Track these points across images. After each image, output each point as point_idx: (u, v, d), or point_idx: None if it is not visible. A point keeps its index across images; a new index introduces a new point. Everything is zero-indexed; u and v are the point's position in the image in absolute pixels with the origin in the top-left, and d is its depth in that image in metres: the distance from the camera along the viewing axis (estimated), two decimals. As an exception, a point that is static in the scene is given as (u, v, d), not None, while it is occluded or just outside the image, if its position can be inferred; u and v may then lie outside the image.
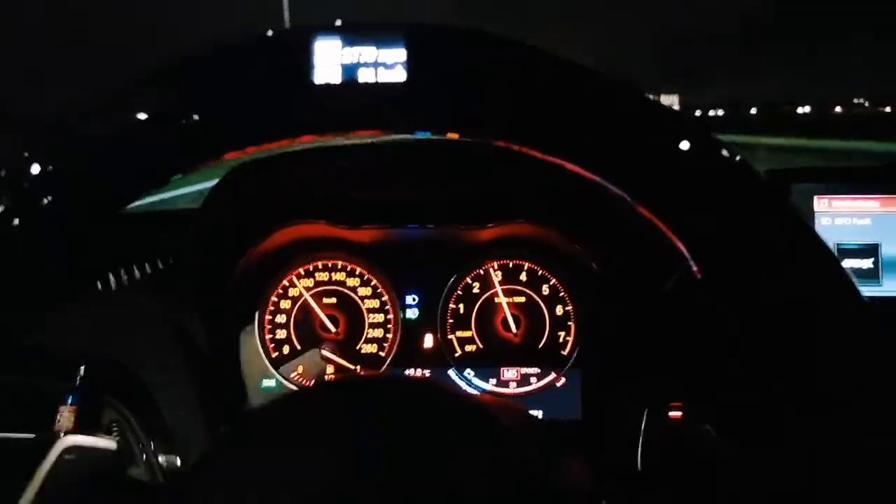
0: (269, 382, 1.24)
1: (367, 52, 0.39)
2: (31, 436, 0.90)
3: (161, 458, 0.97)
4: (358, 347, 1.26)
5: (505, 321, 1.26)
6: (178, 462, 0.98)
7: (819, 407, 0.40)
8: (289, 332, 1.26)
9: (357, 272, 1.28)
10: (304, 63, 0.38)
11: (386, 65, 0.39)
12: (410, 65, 0.39)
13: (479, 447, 0.44)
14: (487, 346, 1.26)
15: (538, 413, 1.23)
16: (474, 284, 1.27)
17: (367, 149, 1.16)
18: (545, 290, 1.26)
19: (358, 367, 1.25)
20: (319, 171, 1.19)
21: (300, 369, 1.25)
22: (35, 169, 0.39)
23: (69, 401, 0.95)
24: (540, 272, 1.27)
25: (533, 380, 1.25)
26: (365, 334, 1.26)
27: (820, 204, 1.26)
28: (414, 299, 1.27)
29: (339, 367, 1.25)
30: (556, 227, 1.21)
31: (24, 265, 0.41)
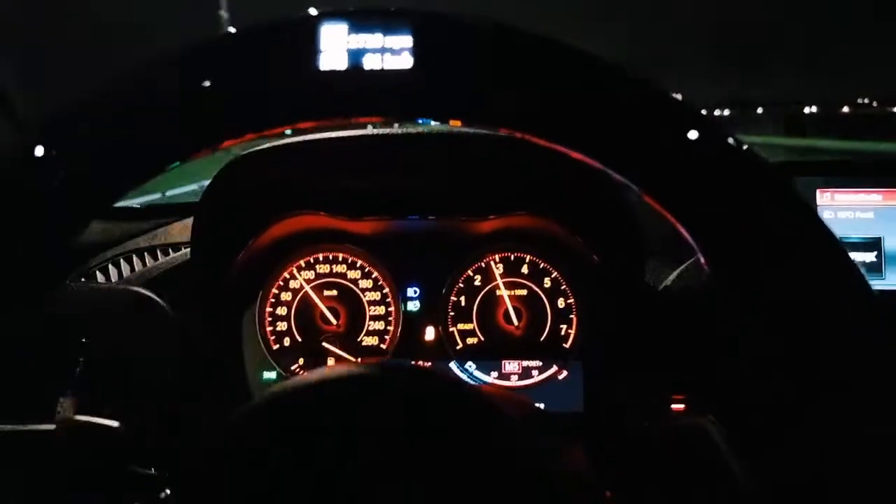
0: (269, 374, 1.24)
1: (373, 39, 0.38)
2: (31, 427, 0.90)
3: (162, 451, 0.97)
4: (359, 340, 1.26)
5: (506, 314, 1.25)
6: (179, 454, 0.98)
7: (823, 396, 0.39)
8: (289, 325, 1.25)
9: (358, 264, 1.27)
10: (310, 49, 0.38)
11: (392, 51, 0.38)
12: (417, 52, 0.39)
13: (480, 435, 0.44)
14: (489, 339, 1.26)
15: (540, 406, 1.23)
16: (476, 277, 1.27)
17: (367, 140, 1.15)
18: (547, 282, 1.26)
19: (359, 360, 1.25)
20: (319, 163, 1.19)
21: (301, 361, 1.25)
22: (34, 153, 0.39)
23: (69, 392, 0.95)
24: (542, 265, 1.26)
25: (534, 373, 1.25)
26: (366, 327, 1.26)
27: (822, 197, 1.26)
28: (415, 291, 1.27)
29: (339, 360, 1.25)
30: (558, 220, 1.21)
31: (20, 253, 0.41)
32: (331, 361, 1.24)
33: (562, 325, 1.25)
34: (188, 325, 1.16)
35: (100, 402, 0.96)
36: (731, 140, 0.41)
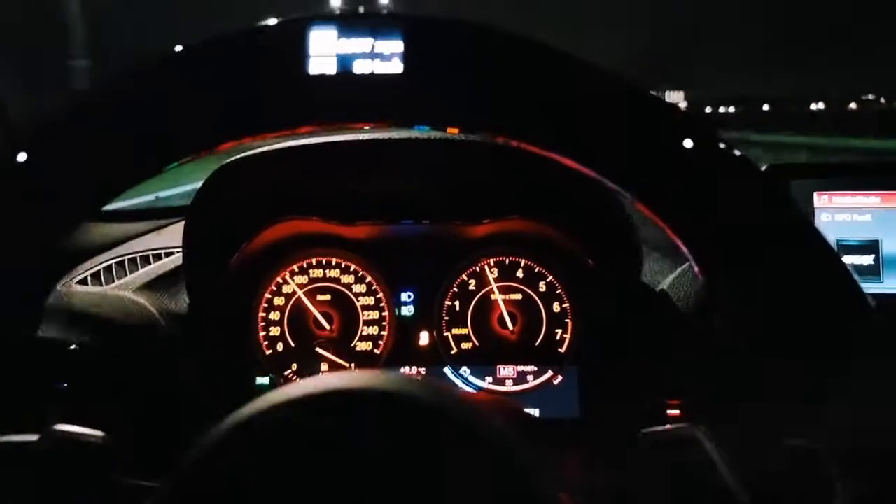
0: (262, 380, 1.23)
1: (363, 44, 0.37)
2: (19, 435, 0.89)
3: (151, 459, 0.96)
4: (352, 345, 1.25)
5: (501, 318, 1.24)
6: (171, 461, 0.97)
7: (819, 402, 0.39)
8: (283, 330, 1.24)
9: (351, 269, 1.26)
10: (299, 54, 0.37)
11: (382, 56, 0.37)
12: (407, 57, 0.38)
13: (470, 446, 0.44)
14: (483, 344, 1.25)
15: (535, 411, 1.22)
16: (470, 281, 1.26)
17: (360, 144, 1.15)
18: (542, 286, 1.25)
19: (352, 365, 1.24)
20: (312, 167, 1.18)
21: (294, 367, 1.24)
22: (23, 157, 0.38)
23: (56, 400, 0.94)
24: (536, 269, 1.25)
25: (529, 378, 1.24)
26: (360, 332, 1.25)
27: (820, 200, 1.25)
28: (409, 296, 1.26)
29: (333, 365, 1.24)
30: (553, 223, 1.20)
31: (9, 257, 0.40)
32: (324, 367, 1.24)
33: (557, 330, 1.24)
34: (181, 330, 1.16)
35: (88, 410, 0.95)
36: (724, 148, 0.40)
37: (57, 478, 0.61)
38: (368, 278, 1.26)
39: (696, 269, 0.41)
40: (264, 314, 1.24)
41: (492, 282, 1.25)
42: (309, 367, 1.24)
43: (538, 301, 1.25)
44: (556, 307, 1.24)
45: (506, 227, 1.24)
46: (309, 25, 0.38)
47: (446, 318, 1.25)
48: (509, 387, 1.23)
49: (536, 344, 1.24)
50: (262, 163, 1.11)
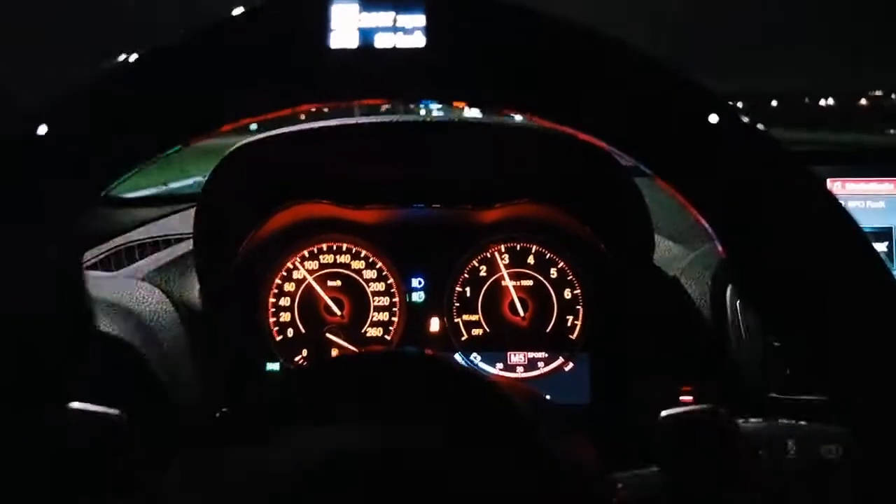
0: (272, 365, 1.23)
1: (385, 17, 0.37)
2: (31, 411, 0.89)
3: (163, 440, 0.96)
4: (363, 331, 1.24)
5: (512, 305, 1.24)
6: (181, 445, 0.97)
7: (842, 388, 0.38)
8: (293, 316, 1.24)
9: (362, 255, 1.26)
10: (320, 27, 0.36)
11: (405, 30, 0.37)
12: (430, 31, 0.37)
13: (488, 422, 0.44)
14: (494, 330, 1.25)
15: (546, 397, 1.22)
16: (481, 267, 1.26)
17: (370, 127, 1.14)
18: (553, 273, 1.25)
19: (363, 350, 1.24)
20: (322, 151, 1.18)
21: (304, 353, 1.24)
22: (37, 132, 0.37)
23: (71, 384, 0.94)
24: (548, 255, 1.25)
25: (540, 364, 1.24)
26: (370, 318, 1.25)
27: (833, 186, 1.24)
28: (420, 282, 1.26)
29: (343, 351, 1.24)
30: (565, 208, 1.20)
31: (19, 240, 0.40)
32: (334, 353, 1.23)
33: (568, 316, 1.24)
34: (192, 316, 1.16)
35: (99, 393, 0.95)
36: (750, 123, 0.40)
37: (74, 453, 0.61)
38: (379, 264, 1.26)
39: (719, 247, 0.41)
40: (274, 300, 1.24)
41: (502, 268, 1.25)
42: (319, 354, 1.24)
43: (549, 287, 1.24)
44: (567, 293, 1.24)
45: (517, 212, 1.23)
46: None
47: (457, 304, 1.25)
48: (520, 373, 1.23)
49: (547, 330, 1.23)
50: (271, 147, 1.10)
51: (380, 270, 1.26)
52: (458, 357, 1.24)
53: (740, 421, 0.78)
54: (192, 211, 1.14)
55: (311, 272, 1.25)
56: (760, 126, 0.39)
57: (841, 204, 0.39)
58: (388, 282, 1.26)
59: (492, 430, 0.44)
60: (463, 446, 0.41)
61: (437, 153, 1.19)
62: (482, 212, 1.24)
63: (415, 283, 1.26)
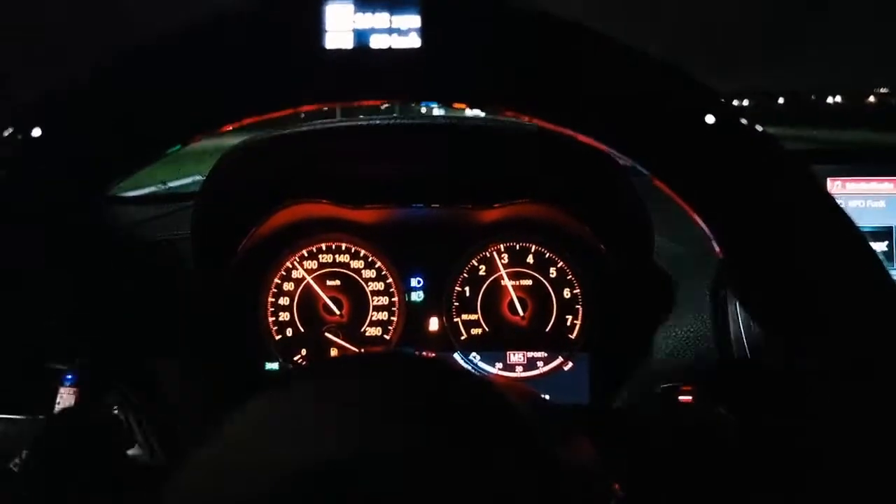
0: (272, 365, 1.23)
1: (380, 18, 0.37)
2: (32, 417, 0.89)
3: (161, 441, 0.96)
4: (362, 330, 1.24)
5: (511, 304, 1.24)
6: (179, 444, 0.97)
7: (841, 381, 0.38)
8: (292, 315, 1.24)
9: (361, 254, 1.26)
10: (315, 28, 0.36)
11: (400, 31, 0.37)
12: (425, 31, 0.37)
13: (486, 423, 0.43)
14: (493, 330, 1.25)
15: (545, 398, 1.22)
16: (480, 267, 1.26)
17: (369, 127, 1.14)
18: (552, 272, 1.25)
19: (362, 351, 1.23)
20: (321, 150, 1.18)
21: (303, 352, 1.24)
22: (33, 132, 0.37)
23: (69, 382, 0.95)
24: (547, 255, 1.25)
25: (540, 364, 1.23)
26: (369, 317, 1.25)
27: (833, 186, 1.24)
28: (419, 282, 1.26)
29: (342, 351, 1.23)
30: (564, 208, 1.20)
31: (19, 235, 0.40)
32: (334, 352, 1.23)
33: (567, 316, 1.24)
34: (191, 315, 1.15)
35: (100, 393, 0.95)
36: (747, 124, 0.40)
37: (72, 454, 0.62)
38: (378, 263, 1.26)
39: (716, 248, 0.41)
40: (273, 299, 1.24)
41: (501, 267, 1.25)
42: (318, 353, 1.24)
43: (548, 287, 1.24)
44: (566, 293, 1.24)
45: (516, 211, 1.23)
46: None
47: (456, 303, 1.25)
48: (519, 373, 1.23)
49: (547, 330, 1.23)
50: (270, 146, 1.10)
51: (379, 270, 1.26)
52: (457, 356, 1.24)
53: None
54: (190, 211, 1.14)
55: (310, 272, 1.25)
56: (758, 127, 0.39)
57: (838, 204, 0.39)
58: (388, 281, 1.26)
59: (489, 431, 0.43)
60: (460, 447, 0.41)
61: (437, 153, 1.18)
62: (481, 211, 1.24)
63: (414, 282, 1.25)
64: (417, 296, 1.25)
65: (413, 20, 0.37)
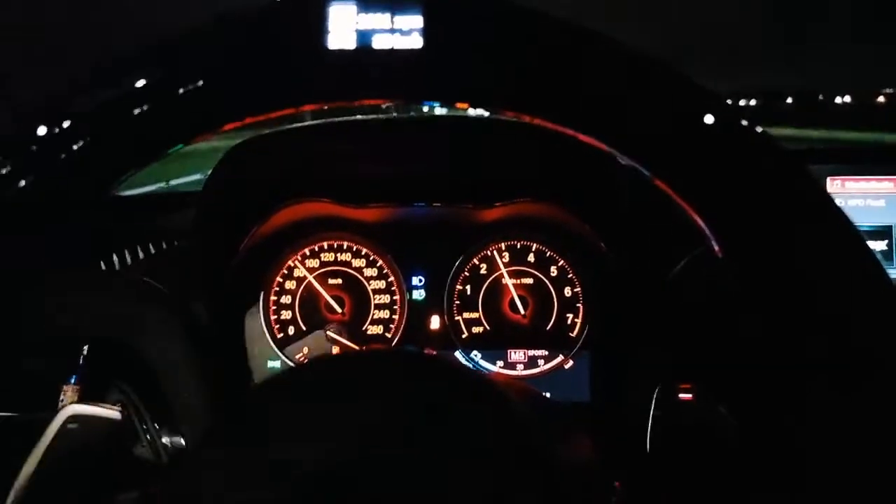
0: (273, 363, 1.23)
1: (382, 19, 0.37)
2: (34, 414, 0.89)
3: (164, 439, 0.96)
4: (364, 329, 1.25)
5: (512, 303, 1.24)
6: (182, 443, 0.97)
7: (843, 382, 0.39)
8: (294, 313, 1.24)
9: (363, 253, 1.26)
10: (318, 28, 0.37)
11: (402, 31, 0.37)
12: (427, 32, 0.37)
13: (486, 423, 0.44)
14: (494, 328, 1.25)
15: (546, 395, 1.22)
16: (481, 265, 1.26)
17: (371, 125, 1.14)
18: (553, 271, 1.25)
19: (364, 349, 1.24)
20: (323, 149, 1.18)
21: (305, 350, 1.24)
22: (37, 132, 0.38)
23: (72, 381, 0.95)
24: (548, 253, 1.25)
25: (540, 362, 1.24)
26: (371, 315, 1.25)
27: (833, 185, 1.24)
28: (420, 280, 1.26)
29: (344, 349, 1.24)
30: (565, 207, 1.20)
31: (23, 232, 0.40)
32: (335, 350, 1.24)
33: (568, 315, 1.24)
34: (192, 314, 1.16)
35: (103, 391, 0.95)
36: (746, 125, 0.40)
37: (76, 452, 0.62)
38: (380, 262, 1.26)
39: (715, 248, 0.41)
40: (275, 297, 1.25)
41: (502, 266, 1.25)
42: (320, 352, 1.24)
43: (549, 285, 1.24)
44: (567, 292, 1.24)
45: (517, 210, 1.23)
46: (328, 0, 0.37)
47: (457, 302, 1.25)
48: (520, 371, 1.23)
49: (548, 328, 1.24)
50: (272, 145, 1.11)
51: (380, 268, 1.26)
52: (458, 355, 1.24)
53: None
54: (192, 209, 1.14)
55: (311, 270, 1.25)
56: (757, 127, 0.39)
57: (838, 205, 0.39)
58: (389, 280, 1.26)
59: (489, 430, 0.44)
60: (460, 446, 0.41)
61: (438, 151, 1.19)
62: (483, 210, 1.24)
63: (415, 280, 1.26)
64: (419, 294, 1.26)
65: (415, 21, 0.37)
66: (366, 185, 1.21)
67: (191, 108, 0.39)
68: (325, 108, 0.42)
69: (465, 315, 1.25)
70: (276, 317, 1.24)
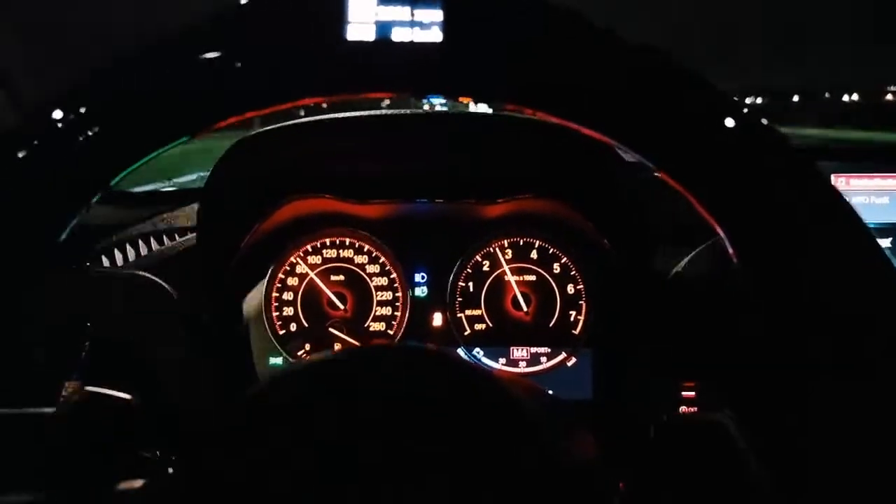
0: (275, 360, 1.23)
1: (402, 11, 0.37)
2: (37, 410, 0.89)
3: (167, 436, 0.96)
4: (366, 325, 1.24)
5: (515, 300, 1.24)
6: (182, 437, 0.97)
7: (849, 382, 0.38)
8: (296, 310, 1.24)
9: (365, 249, 1.26)
10: (338, 19, 0.36)
11: (422, 24, 0.37)
12: (447, 25, 0.37)
13: (492, 418, 0.44)
14: (497, 325, 1.25)
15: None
16: (484, 262, 1.26)
17: (373, 120, 1.14)
18: (556, 268, 1.25)
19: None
20: (326, 144, 1.18)
21: (307, 347, 1.24)
22: (47, 122, 0.37)
23: (73, 376, 0.95)
24: (551, 250, 1.25)
25: (543, 359, 1.24)
26: (373, 312, 1.25)
27: (837, 182, 1.24)
28: (423, 277, 1.26)
29: (346, 346, 1.24)
30: (568, 203, 1.20)
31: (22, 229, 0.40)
32: (338, 347, 1.23)
33: (571, 312, 1.24)
34: (193, 310, 1.15)
35: (104, 386, 0.95)
36: (766, 127, 0.40)
37: (84, 437, 0.61)
38: (382, 258, 1.26)
39: (729, 248, 0.41)
40: (277, 294, 1.24)
41: (505, 263, 1.25)
42: (322, 348, 1.24)
43: (552, 282, 1.24)
44: (570, 289, 1.24)
45: (520, 206, 1.23)
46: None
47: (460, 299, 1.25)
48: (523, 368, 1.23)
49: (550, 326, 1.24)
50: (274, 141, 1.10)
51: (383, 265, 1.26)
52: (460, 352, 1.24)
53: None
54: (196, 205, 1.14)
55: (313, 267, 1.25)
56: (774, 127, 0.39)
57: (852, 207, 0.39)
58: (391, 276, 1.26)
59: (495, 427, 0.43)
60: (466, 442, 0.41)
61: (441, 147, 1.18)
62: (485, 206, 1.24)
63: (418, 277, 1.26)
64: (421, 291, 1.25)
65: (435, 14, 0.37)
66: (368, 181, 1.21)
67: (207, 98, 0.38)
68: (324, 105, 0.42)
69: (468, 312, 1.25)
70: (278, 313, 1.24)
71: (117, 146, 0.40)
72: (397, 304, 1.25)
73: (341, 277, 1.25)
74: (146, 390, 0.97)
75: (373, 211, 1.24)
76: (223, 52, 0.37)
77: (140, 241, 1.31)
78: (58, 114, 0.38)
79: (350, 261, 1.26)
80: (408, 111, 1.15)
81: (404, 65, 0.38)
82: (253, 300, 1.24)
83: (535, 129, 1.11)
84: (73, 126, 0.38)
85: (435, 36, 0.37)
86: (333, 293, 1.24)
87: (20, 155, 0.39)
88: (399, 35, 0.37)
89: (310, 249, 1.25)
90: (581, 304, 1.23)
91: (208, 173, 1.10)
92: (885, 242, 1.23)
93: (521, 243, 1.26)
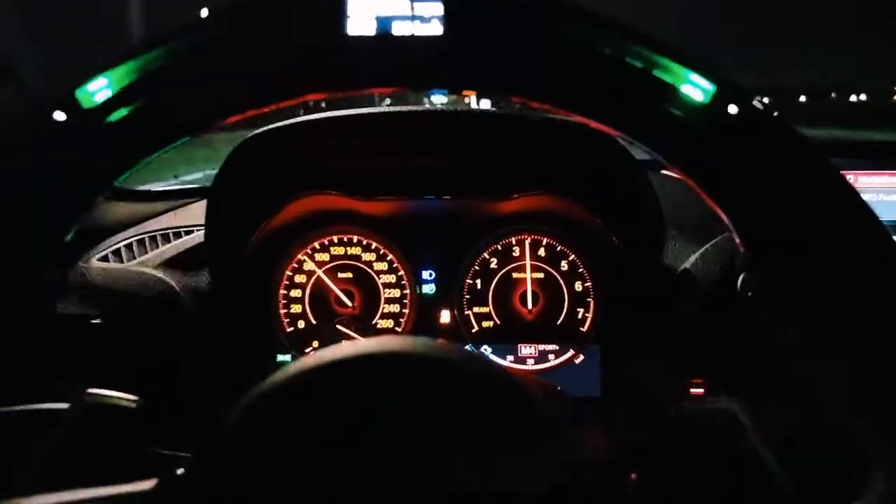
0: (283, 357, 1.23)
1: (402, 5, 0.37)
2: (45, 406, 0.89)
3: (180, 432, 0.96)
4: (374, 322, 1.25)
5: (523, 297, 1.24)
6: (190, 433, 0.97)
7: (860, 378, 0.38)
8: (304, 307, 1.24)
9: (373, 247, 1.26)
10: (338, 14, 0.36)
11: (422, 18, 0.37)
12: (447, 19, 0.37)
13: (506, 414, 0.43)
14: (505, 323, 1.25)
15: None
16: (492, 260, 1.26)
17: (382, 117, 1.14)
18: (564, 265, 1.24)
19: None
20: (333, 141, 1.18)
21: (315, 344, 1.24)
22: (54, 118, 0.37)
23: (79, 375, 0.95)
24: (559, 247, 1.25)
25: (551, 357, 1.23)
26: (381, 309, 1.25)
27: (846, 179, 1.23)
28: (430, 274, 1.26)
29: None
30: (577, 201, 1.19)
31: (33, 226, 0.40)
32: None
33: (579, 309, 1.23)
34: (201, 308, 1.16)
35: (111, 385, 0.95)
36: (772, 117, 0.39)
37: (91, 439, 0.62)
38: (390, 256, 1.26)
39: (737, 241, 0.40)
40: (285, 291, 1.24)
41: (513, 260, 1.25)
42: (330, 345, 1.24)
43: (560, 279, 1.24)
44: (578, 286, 1.24)
45: (528, 204, 1.23)
46: None
47: (467, 296, 1.25)
48: (530, 365, 1.23)
49: (558, 323, 1.23)
50: (281, 139, 1.10)
51: (390, 262, 1.26)
52: (468, 349, 1.24)
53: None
54: (203, 203, 1.14)
55: (321, 264, 1.25)
56: (786, 122, 0.39)
57: (864, 200, 0.39)
58: (399, 273, 1.26)
59: (509, 423, 0.43)
60: (480, 438, 0.41)
61: (448, 144, 1.18)
62: (493, 204, 1.24)
63: (425, 275, 1.26)
64: (429, 288, 1.25)
65: (436, 8, 0.37)
66: (375, 178, 1.21)
67: (208, 95, 0.38)
68: (323, 103, 0.42)
69: (476, 309, 1.25)
70: (286, 310, 1.24)
71: (120, 145, 0.40)
72: (405, 301, 1.25)
73: (349, 275, 1.25)
74: (153, 390, 0.97)
75: (380, 208, 1.24)
76: (223, 52, 0.37)
77: (148, 239, 1.31)
78: (59, 115, 0.38)
79: (357, 258, 1.26)
80: (415, 108, 1.15)
81: (405, 59, 0.38)
82: (262, 297, 1.24)
83: (542, 126, 1.11)
84: (76, 125, 0.39)
85: (435, 29, 0.37)
86: (341, 290, 1.24)
87: (24, 153, 0.39)
88: (399, 29, 0.37)
89: (317, 247, 1.25)
90: (589, 302, 1.23)
91: (214, 172, 1.10)
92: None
93: (529, 240, 1.25)
